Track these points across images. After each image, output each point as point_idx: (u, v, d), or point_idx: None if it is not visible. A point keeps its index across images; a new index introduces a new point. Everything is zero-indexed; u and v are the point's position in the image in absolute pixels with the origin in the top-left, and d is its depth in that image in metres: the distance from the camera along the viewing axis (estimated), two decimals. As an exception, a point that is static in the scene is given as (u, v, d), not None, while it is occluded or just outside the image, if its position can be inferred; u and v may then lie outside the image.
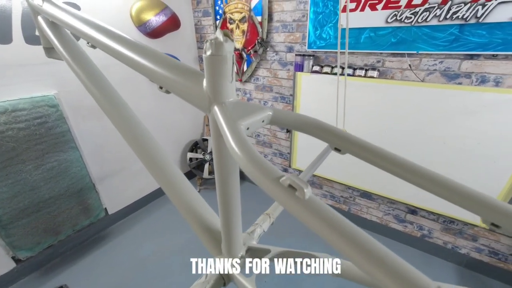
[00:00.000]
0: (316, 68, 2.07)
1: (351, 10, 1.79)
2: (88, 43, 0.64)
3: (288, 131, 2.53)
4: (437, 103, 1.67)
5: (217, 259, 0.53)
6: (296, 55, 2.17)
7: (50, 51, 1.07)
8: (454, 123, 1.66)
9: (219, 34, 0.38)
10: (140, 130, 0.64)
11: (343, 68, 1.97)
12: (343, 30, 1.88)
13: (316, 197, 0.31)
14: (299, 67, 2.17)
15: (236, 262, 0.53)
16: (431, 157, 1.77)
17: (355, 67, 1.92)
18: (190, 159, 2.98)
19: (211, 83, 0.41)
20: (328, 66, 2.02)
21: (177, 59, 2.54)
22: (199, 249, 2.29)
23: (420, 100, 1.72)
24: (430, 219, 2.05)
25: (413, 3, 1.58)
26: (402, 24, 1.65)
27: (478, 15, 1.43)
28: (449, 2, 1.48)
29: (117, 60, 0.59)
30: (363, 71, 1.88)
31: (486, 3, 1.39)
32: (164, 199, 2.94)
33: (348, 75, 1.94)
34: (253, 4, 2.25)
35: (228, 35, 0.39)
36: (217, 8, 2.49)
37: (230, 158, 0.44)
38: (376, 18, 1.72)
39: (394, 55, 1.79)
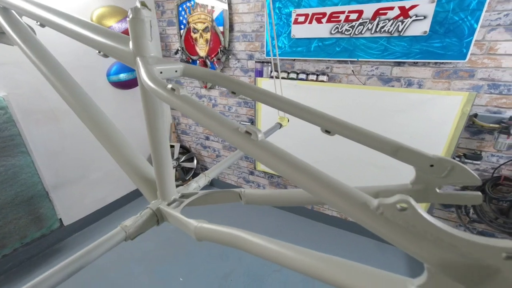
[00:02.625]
0: (274, 73, 2.24)
1: (301, 23, 2.01)
2: (37, 22, 0.69)
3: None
4: (376, 103, 1.92)
5: (152, 202, 0.59)
6: (256, 62, 2.33)
7: None
8: (391, 120, 1.90)
9: (138, 3, 0.48)
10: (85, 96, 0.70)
11: (298, 73, 2.16)
12: (294, 40, 2.10)
13: (267, 140, 0.38)
14: (259, 73, 2.33)
15: (168, 203, 0.60)
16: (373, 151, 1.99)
17: (308, 72, 2.13)
18: (156, 165, 2.94)
19: (134, 41, 0.52)
20: (285, 71, 2.20)
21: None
22: (162, 256, 2.25)
23: (363, 100, 1.95)
24: (381, 209, 2.26)
25: (350, 18, 1.84)
26: (343, 36, 1.90)
27: (400, 29, 1.71)
28: (377, 18, 1.75)
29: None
30: (315, 76, 2.09)
31: (404, 20, 1.68)
32: (129, 208, 2.84)
33: (302, 79, 2.14)
34: (215, 15, 2.40)
35: (144, 4, 0.49)
36: (181, 18, 2.60)
37: (154, 103, 0.52)
38: (322, 30, 1.96)
39: (339, 62, 2.02)
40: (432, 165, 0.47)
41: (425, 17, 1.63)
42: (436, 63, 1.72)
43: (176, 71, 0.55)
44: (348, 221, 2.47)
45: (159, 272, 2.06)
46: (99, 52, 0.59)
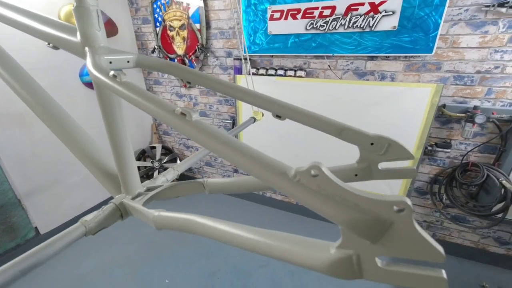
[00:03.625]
0: (253, 70, 2.25)
1: (277, 19, 2.02)
2: None
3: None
4: (352, 96, 1.97)
5: (118, 196, 0.58)
6: (234, 59, 2.33)
7: None
8: (367, 113, 1.96)
9: None
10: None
11: (276, 70, 2.18)
12: (271, 36, 2.11)
13: (202, 120, 0.40)
14: (238, 70, 2.32)
15: (132, 197, 0.59)
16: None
17: (286, 68, 2.15)
18: (138, 168, 2.86)
19: (82, 31, 0.51)
20: (263, 68, 2.21)
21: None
22: (146, 258, 2.21)
23: (340, 94, 2.00)
24: (361, 200, 2.33)
25: (323, 14, 1.87)
26: (318, 31, 1.93)
27: (371, 24, 1.76)
28: (350, 14, 1.79)
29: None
30: (293, 72, 2.11)
31: (374, 15, 1.73)
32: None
33: (280, 75, 2.15)
34: (190, 12, 2.36)
35: None
36: (156, 15, 2.54)
37: (108, 93, 0.51)
38: (297, 26, 1.98)
39: (316, 57, 2.06)
40: (372, 144, 0.51)
41: (393, 13, 1.69)
42: (406, 56, 1.79)
43: (128, 62, 0.55)
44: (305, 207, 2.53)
45: (144, 275, 2.03)
46: (49, 44, 0.57)
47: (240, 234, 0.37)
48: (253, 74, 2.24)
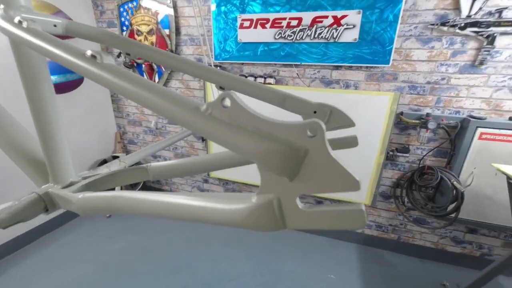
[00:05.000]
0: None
1: (246, 27, 2.06)
2: None
3: (203, 140, 2.56)
4: (319, 104, 2.03)
5: (42, 187, 0.49)
6: (204, 66, 2.30)
7: None
8: (333, 120, 2.03)
9: None
10: None
11: (246, 77, 2.19)
12: (241, 44, 2.13)
13: (114, 63, 0.36)
14: (208, 77, 2.29)
15: (63, 186, 0.50)
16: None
17: (256, 76, 2.17)
18: (96, 179, 2.62)
19: None
20: (233, 75, 2.21)
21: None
22: (103, 280, 1.97)
23: (307, 102, 2.06)
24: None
25: (291, 24, 1.95)
26: (286, 41, 2.00)
27: (335, 36, 1.87)
28: (315, 25, 1.89)
29: None
30: (263, 79, 2.14)
31: (337, 28, 1.84)
32: (55, 234, 2.45)
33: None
34: (159, 18, 2.32)
35: None
36: (123, 19, 2.45)
37: (30, 59, 0.44)
38: (267, 35, 2.03)
39: (285, 65, 2.11)
40: (315, 112, 0.51)
41: (354, 26, 1.81)
42: (367, 67, 1.91)
43: (55, 26, 0.48)
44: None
45: (96, 299, 1.79)
46: None
47: (164, 201, 0.32)
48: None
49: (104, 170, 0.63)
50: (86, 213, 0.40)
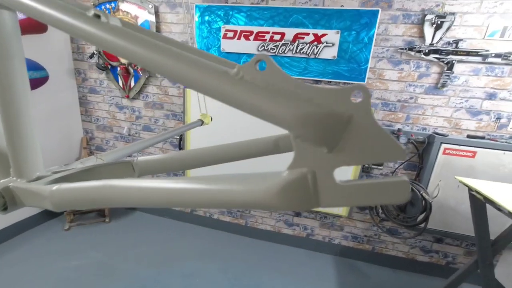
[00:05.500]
0: (205, 85, 2.20)
1: (230, 38, 2.08)
2: None
3: (180, 147, 2.45)
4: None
5: (3, 181, 0.41)
6: (185, 73, 2.25)
7: None
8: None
9: None
10: None
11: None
12: (224, 53, 2.14)
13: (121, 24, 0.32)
14: (189, 84, 2.24)
15: (27, 180, 0.42)
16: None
17: (238, 86, 2.17)
18: (56, 189, 2.35)
19: None
20: (215, 84, 2.19)
21: (40, 67, 2.13)
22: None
23: (288, 113, 2.10)
24: (311, 218, 2.37)
25: (274, 38, 2.01)
26: (269, 54, 2.05)
27: (315, 52, 1.96)
28: (297, 41, 1.97)
29: None
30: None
31: (318, 45, 1.94)
32: (7, 246, 2.12)
33: (232, 92, 2.16)
34: (139, 22, 2.25)
35: None
36: (99, 19, 2.33)
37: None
38: (250, 46, 2.06)
39: (267, 78, 2.15)
40: None
41: (333, 45, 1.92)
42: (344, 83, 2.02)
43: None
44: (281, 233, 2.48)
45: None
46: None
47: (175, 187, 0.28)
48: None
49: (78, 165, 0.55)
50: (61, 208, 0.33)
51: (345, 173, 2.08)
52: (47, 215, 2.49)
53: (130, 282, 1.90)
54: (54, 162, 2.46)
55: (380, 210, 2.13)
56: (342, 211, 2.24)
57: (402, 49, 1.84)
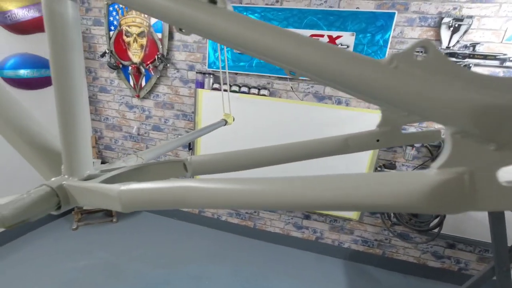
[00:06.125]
0: (216, 85, 2.19)
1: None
2: None
3: (189, 148, 2.44)
4: (312, 117, 2.07)
5: (55, 179, 0.39)
6: (197, 73, 2.24)
7: None
8: (324, 133, 2.06)
9: None
10: None
11: (240, 87, 2.17)
12: (236, 54, 2.13)
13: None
14: (200, 84, 2.23)
15: (79, 179, 0.40)
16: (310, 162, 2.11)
17: (250, 86, 2.16)
18: (65, 187, 2.34)
19: None
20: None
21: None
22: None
23: (301, 114, 2.08)
24: (320, 221, 2.35)
25: (288, 39, 2.00)
26: (283, 54, 2.04)
27: (330, 53, 1.95)
28: (311, 42, 1.96)
29: None
30: (257, 90, 2.13)
31: (333, 45, 1.93)
32: (6, 249, 2.10)
33: (244, 92, 2.15)
34: (152, 21, 2.24)
35: None
36: (111, 18, 2.33)
37: (64, 27, 0.35)
38: (263, 47, 2.06)
39: (280, 78, 2.14)
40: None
41: (348, 46, 1.91)
42: (358, 85, 2.00)
43: None
44: (290, 236, 2.46)
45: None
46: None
47: (288, 190, 0.25)
48: (217, 89, 2.19)
49: (121, 164, 0.54)
50: (130, 209, 0.32)
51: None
52: (55, 214, 2.47)
53: (138, 284, 1.88)
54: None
55: (392, 214, 2.11)
56: (353, 214, 2.21)
57: (418, 52, 1.82)
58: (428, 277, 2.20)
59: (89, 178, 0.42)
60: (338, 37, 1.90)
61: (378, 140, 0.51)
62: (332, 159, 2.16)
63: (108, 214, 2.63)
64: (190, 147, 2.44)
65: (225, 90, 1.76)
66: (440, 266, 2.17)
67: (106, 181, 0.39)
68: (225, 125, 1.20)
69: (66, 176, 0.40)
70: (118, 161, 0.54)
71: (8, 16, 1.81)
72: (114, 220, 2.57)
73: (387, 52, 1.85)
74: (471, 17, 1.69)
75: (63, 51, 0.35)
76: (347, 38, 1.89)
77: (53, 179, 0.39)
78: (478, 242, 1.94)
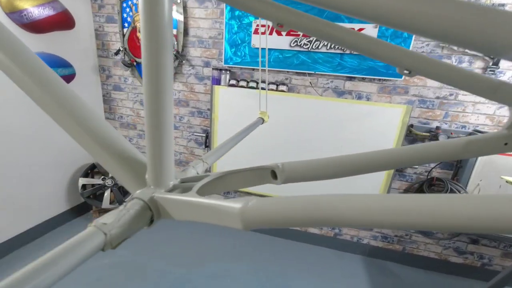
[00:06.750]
0: (233, 82, 2.16)
1: (261, 33, 2.02)
2: None
3: (206, 145, 2.42)
4: (332, 113, 2.03)
5: (141, 190, 0.37)
6: (213, 69, 2.21)
7: None
8: (345, 129, 2.03)
9: None
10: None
11: (257, 83, 2.13)
12: (253, 49, 2.09)
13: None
14: (216, 81, 2.20)
15: (166, 190, 0.38)
16: (331, 155, 2.08)
17: (268, 82, 2.12)
18: (84, 186, 2.35)
19: None
20: (244, 80, 2.14)
21: (69, 64, 2.11)
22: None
23: (320, 110, 2.04)
24: (338, 217, 2.33)
25: (308, 33, 1.95)
26: (302, 49, 1.99)
27: (351, 47, 1.89)
28: (332, 35, 1.91)
29: None
30: (275, 86, 2.09)
31: (355, 38, 1.87)
32: (37, 244, 2.12)
33: (263, 89, 2.11)
34: (167, 17, 2.20)
35: None
36: (125, 15, 2.30)
37: (164, 28, 0.32)
38: (282, 42, 2.01)
39: (298, 74, 2.09)
40: None
41: (370, 39, 1.85)
42: (380, 79, 1.95)
43: None
44: (307, 233, 2.45)
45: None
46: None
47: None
48: (234, 85, 2.15)
49: (192, 171, 0.51)
50: (252, 227, 0.29)
51: (380, 172, 2.03)
52: (74, 213, 2.49)
53: (161, 281, 1.89)
54: (79, 160, 2.46)
55: (414, 210, 2.08)
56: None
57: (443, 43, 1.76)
58: (450, 272, 2.18)
59: (174, 188, 0.40)
60: (360, 29, 1.85)
61: (506, 144, 0.45)
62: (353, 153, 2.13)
63: (125, 212, 2.64)
64: (207, 144, 2.42)
65: (263, 89, 1.71)
66: (462, 262, 2.15)
67: (199, 192, 0.37)
68: (262, 123, 1.18)
69: (152, 187, 0.38)
70: (189, 168, 0.52)
71: (25, 15, 1.78)
72: (132, 218, 2.58)
73: (411, 44, 1.79)
74: (503, 4, 1.62)
75: (157, 53, 0.33)
76: (370, 31, 1.83)
77: (138, 191, 0.37)
78: (504, 237, 1.91)
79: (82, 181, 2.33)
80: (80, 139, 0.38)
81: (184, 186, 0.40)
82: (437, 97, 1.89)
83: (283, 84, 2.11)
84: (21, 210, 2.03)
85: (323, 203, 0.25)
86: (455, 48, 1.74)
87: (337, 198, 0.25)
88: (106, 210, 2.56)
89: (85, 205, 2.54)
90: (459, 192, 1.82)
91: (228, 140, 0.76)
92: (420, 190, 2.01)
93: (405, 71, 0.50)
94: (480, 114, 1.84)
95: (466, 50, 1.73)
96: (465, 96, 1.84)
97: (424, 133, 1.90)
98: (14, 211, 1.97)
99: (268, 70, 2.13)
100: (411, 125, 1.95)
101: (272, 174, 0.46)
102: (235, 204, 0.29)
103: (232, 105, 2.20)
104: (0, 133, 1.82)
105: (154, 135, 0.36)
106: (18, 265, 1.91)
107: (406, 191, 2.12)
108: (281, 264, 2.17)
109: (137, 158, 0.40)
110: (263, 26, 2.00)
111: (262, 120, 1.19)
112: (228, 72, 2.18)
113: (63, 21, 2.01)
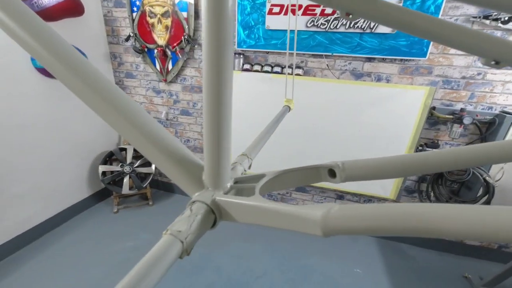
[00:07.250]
0: (247, 66, 2.10)
1: (276, 14, 1.93)
2: None
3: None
4: (350, 96, 1.97)
5: (200, 193, 0.37)
6: (226, 53, 2.15)
7: None
8: (363, 112, 1.98)
9: None
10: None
11: (272, 67, 2.07)
12: (268, 31, 2.00)
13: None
14: (230, 66, 2.15)
15: (225, 192, 0.39)
16: (347, 140, 2.06)
17: (283, 66, 2.06)
18: (103, 173, 2.43)
19: None
20: (258, 64, 2.08)
21: (81, 52, 2.09)
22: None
23: (337, 93, 1.98)
24: (354, 201, 2.34)
25: (325, 12, 1.84)
26: (319, 29, 1.90)
27: (371, 26, 1.79)
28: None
29: None
30: (290, 69, 2.03)
31: (376, 16, 1.76)
32: (65, 229, 2.25)
33: (277, 72, 2.05)
34: (176, 0, 2.12)
35: None
36: (133, -1, 2.22)
37: (226, 35, 0.30)
38: (298, 22, 1.91)
39: (314, 56, 2.01)
40: None
41: (393, 16, 1.74)
42: (401, 60, 1.86)
43: None
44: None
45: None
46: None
47: None
48: (247, 70, 2.10)
49: (239, 168, 0.51)
50: (331, 234, 0.29)
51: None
52: (96, 198, 2.60)
53: (184, 262, 1.98)
54: (97, 148, 2.52)
55: (432, 194, 2.06)
56: (390, 194, 2.18)
57: (475, 17, 1.64)
58: (466, 254, 2.19)
59: (231, 189, 0.39)
60: None
61: None
62: (371, 138, 2.07)
63: (143, 197, 2.74)
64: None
65: (289, 74, 1.66)
66: (478, 244, 2.15)
67: (258, 194, 0.37)
68: (289, 111, 1.15)
69: (210, 189, 0.38)
70: (236, 166, 0.52)
71: (35, 2, 1.75)
72: (150, 203, 2.67)
73: (437, 21, 1.68)
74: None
75: (222, 47, 0.31)
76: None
77: (197, 194, 0.37)
78: (524, 220, 1.88)
79: (102, 168, 2.40)
80: (136, 142, 0.38)
81: (240, 187, 0.40)
82: (463, 77, 1.79)
83: (299, 67, 2.04)
84: (48, 197, 2.13)
85: (418, 213, 0.24)
86: (487, 22, 1.62)
87: (432, 209, 0.24)
88: (126, 196, 2.65)
89: (106, 190, 2.64)
90: (481, 176, 1.78)
91: (263, 132, 0.75)
92: (439, 174, 1.98)
93: (492, 62, 0.46)
94: (510, 94, 1.74)
95: (499, 25, 1.60)
96: (494, 75, 1.73)
97: (447, 116, 1.83)
98: (41, 198, 2.07)
99: (283, 52, 2.06)
100: (433, 108, 1.87)
101: (330, 172, 0.45)
102: (315, 211, 0.29)
103: (245, 91, 2.16)
104: (24, 126, 1.87)
105: (212, 137, 0.36)
106: (51, 247, 2.04)
107: (425, 174, 2.09)
108: (297, 246, 2.23)
109: (193, 160, 0.40)
110: (277, 5, 1.90)
111: (288, 108, 1.16)
112: (241, 56, 2.11)
113: (72, 8, 1.97)
